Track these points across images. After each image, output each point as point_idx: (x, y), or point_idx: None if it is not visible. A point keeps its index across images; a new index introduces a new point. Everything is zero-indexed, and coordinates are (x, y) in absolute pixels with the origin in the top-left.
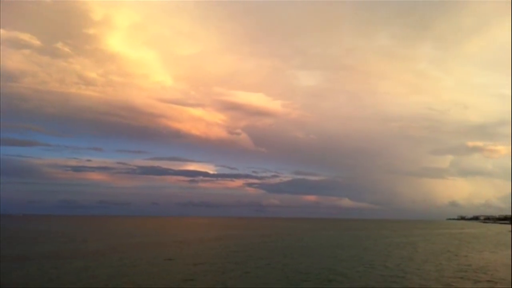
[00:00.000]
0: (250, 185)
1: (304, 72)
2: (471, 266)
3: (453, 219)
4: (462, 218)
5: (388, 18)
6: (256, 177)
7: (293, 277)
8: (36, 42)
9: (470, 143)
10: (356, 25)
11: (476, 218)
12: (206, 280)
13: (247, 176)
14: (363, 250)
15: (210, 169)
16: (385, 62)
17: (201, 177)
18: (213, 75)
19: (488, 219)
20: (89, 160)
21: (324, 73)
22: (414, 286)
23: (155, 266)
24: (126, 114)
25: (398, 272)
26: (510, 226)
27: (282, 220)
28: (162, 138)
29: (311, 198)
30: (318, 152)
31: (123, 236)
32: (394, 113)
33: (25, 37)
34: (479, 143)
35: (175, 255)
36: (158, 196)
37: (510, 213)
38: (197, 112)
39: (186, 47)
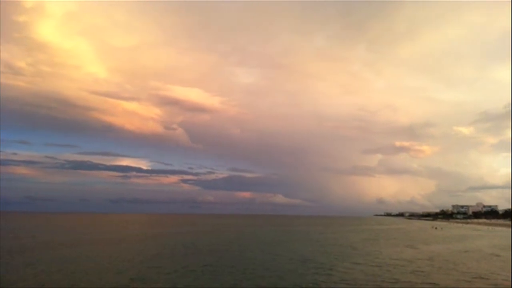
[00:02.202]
0: (185, 181)
1: (243, 69)
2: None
3: (380, 215)
4: (389, 215)
5: (325, 19)
6: (192, 173)
7: (228, 273)
8: None
9: (398, 143)
10: (294, 24)
11: (401, 215)
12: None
13: (182, 172)
14: (296, 246)
15: (144, 164)
16: (321, 63)
17: (134, 173)
18: (149, 69)
19: (413, 215)
20: (14, 154)
21: (262, 71)
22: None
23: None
24: (55, 106)
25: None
26: (432, 221)
27: (217, 217)
28: (93, 132)
29: (246, 194)
30: (254, 149)
31: (42, 234)
32: (329, 113)
33: None
34: (406, 144)
35: (81, 256)
36: (88, 192)
37: (433, 210)
38: (131, 106)
39: (122, 39)
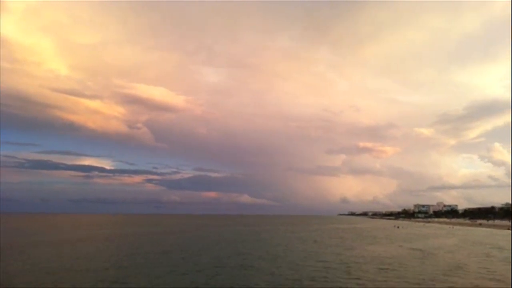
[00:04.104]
0: (149, 181)
1: (208, 69)
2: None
3: (344, 214)
4: (352, 214)
5: (289, 19)
6: (156, 173)
7: (190, 272)
8: None
9: (361, 144)
10: (259, 24)
11: (365, 214)
12: None
13: (146, 172)
14: (261, 244)
15: (106, 164)
16: (286, 63)
17: (96, 173)
18: (112, 66)
19: (376, 215)
20: None
21: (228, 71)
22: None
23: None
24: (14, 103)
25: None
26: (394, 221)
27: (182, 217)
28: (54, 130)
29: (212, 194)
30: (220, 149)
31: None
32: (294, 113)
33: None
34: (369, 144)
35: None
36: (49, 192)
37: (395, 209)
38: (94, 104)
39: (84, 35)
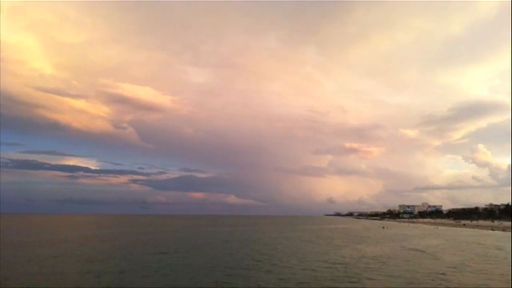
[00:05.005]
0: (135, 181)
1: (195, 68)
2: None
3: (330, 215)
4: (338, 214)
5: (276, 20)
6: (142, 174)
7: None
8: None
9: (347, 144)
10: (246, 24)
11: (350, 214)
12: None
13: (132, 172)
14: (248, 245)
15: (92, 164)
16: (273, 63)
17: (81, 173)
18: (98, 66)
19: (361, 215)
20: None
21: (214, 70)
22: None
23: None
24: None
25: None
26: (379, 221)
27: (168, 217)
28: (39, 130)
29: (198, 195)
30: (207, 149)
31: None
32: (280, 113)
33: None
34: (355, 145)
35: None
36: (34, 192)
37: (381, 210)
38: (79, 103)
39: (69, 34)
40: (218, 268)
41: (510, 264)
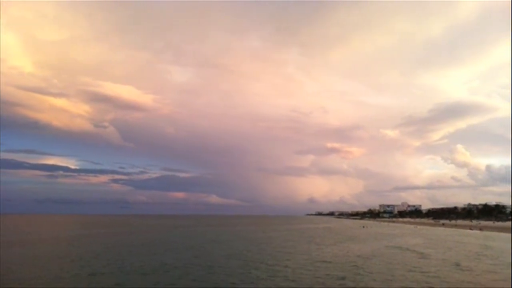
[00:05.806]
0: (116, 181)
1: (177, 68)
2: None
3: (312, 214)
4: (320, 214)
5: (259, 20)
6: (123, 173)
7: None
8: None
9: (329, 145)
10: (228, 24)
11: (331, 214)
12: None
13: (113, 172)
14: (226, 245)
15: (71, 163)
16: (255, 63)
17: (61, 172)
18: (79, 64)
19: (342, 214)
20: None
21: (196, 70)
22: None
23: None
24: None
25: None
26: (360, 220)
27: (149, 217)
28: (18, 128)
29: (180, 194)
30: (189, 149)
31: None
32: (263, 114)
33: None
34: (337, 145)
35: None
36: (12, 191)
37: (361, 209)
38: (59, 102)
39: (50, 32)
40: (196, 267)
41: (495, 263)
